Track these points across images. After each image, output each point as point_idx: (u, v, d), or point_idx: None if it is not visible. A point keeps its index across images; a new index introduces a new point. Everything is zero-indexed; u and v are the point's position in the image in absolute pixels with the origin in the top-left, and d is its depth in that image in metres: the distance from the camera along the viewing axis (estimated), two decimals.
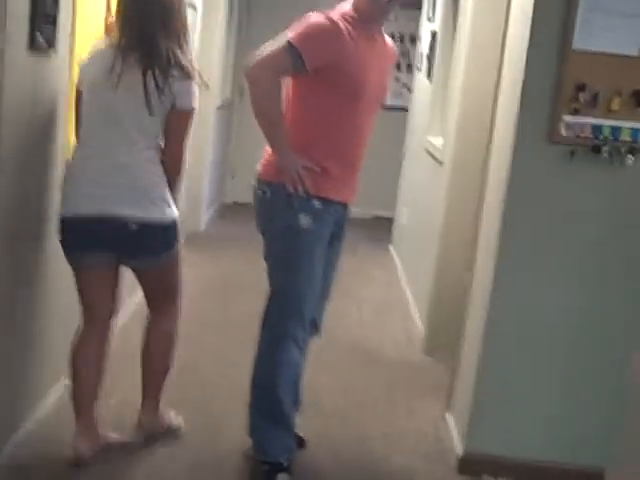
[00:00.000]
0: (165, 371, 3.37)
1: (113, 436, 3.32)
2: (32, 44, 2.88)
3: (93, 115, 3.05)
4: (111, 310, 3.24)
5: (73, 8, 3.28)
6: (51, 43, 3.05)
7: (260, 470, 3.17)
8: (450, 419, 3.75)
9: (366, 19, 3.04)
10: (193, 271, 6.06)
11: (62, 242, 3.10)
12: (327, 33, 2.96)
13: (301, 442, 3.40)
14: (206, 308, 5.31)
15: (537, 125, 3.20)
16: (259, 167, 3.18)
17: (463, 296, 3.93)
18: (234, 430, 3.49)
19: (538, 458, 3.39)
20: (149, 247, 3.11)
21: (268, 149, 3.13)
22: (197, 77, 3.09)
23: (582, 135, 3.18)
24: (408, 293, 5.97)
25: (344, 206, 3.22)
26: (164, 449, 3.36)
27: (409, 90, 7.75)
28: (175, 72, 3.00)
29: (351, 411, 3.94)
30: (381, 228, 7.94)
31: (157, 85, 2.96)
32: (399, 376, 4.45)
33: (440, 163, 5.10)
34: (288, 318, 3.09)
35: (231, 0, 7.69)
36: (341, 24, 2.96)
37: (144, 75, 2.95)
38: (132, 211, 3.00)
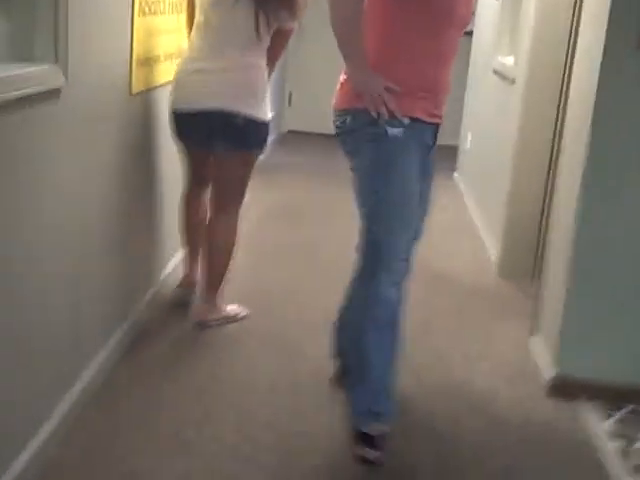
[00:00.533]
0: (224, 267, 3.69)
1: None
2: None
3: (207, 23, 3.45)
4: (207, 181, 3.78)
5: None
6: None
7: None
8: (535, 343, 3.60)
9: None
10: (256, 197, 5.97)
11: (175, 132, 3.64)
12: None
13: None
14: (268, 233, 5.21)
15: (628, 30, 2.97)
16: (334, 100, 2.88)
17: (540, 220, 3.80)
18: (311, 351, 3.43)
19: (634, 380, 3.24)
20: (249, 141, 3.52)
21: (342, 79, 2.83)
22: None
23: None
24: (476, 218, 5.79)
25: (434, 128, 2.84)
26: (243, 375, 3.29)
27: (472, 13, 7.47)
28: (283, 14, 3.45)
29: (428, 335, 3.82)
30: (444, 157, 7.72)
31: (267, 22, 3.42)
32: (474, 300, 4.32)
33: (511, 82, 4.88)
34: (382, 251, 2.74)
35: None
36: None
37: (256, 14, 3.38)
38: (238, 107, 3.42)
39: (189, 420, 2.89)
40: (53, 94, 2.50)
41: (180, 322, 3.72)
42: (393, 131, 2.69)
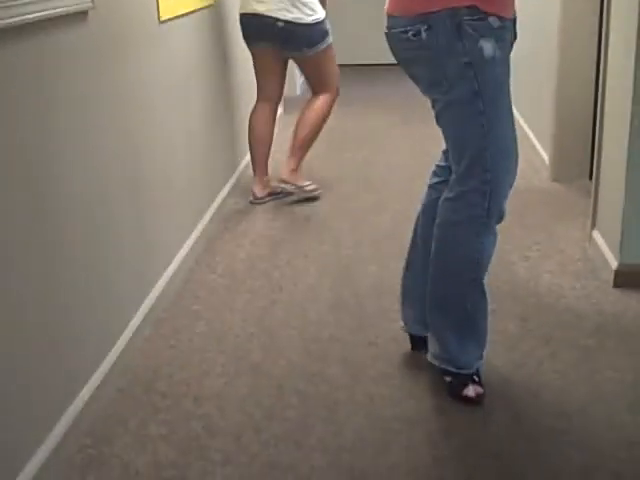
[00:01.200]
0: (308, 137, 4.33)
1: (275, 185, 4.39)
2: None
3: None
4: (278, 93, 4.41)
5: None
6: None
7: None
8: (597, 237, 3.47)
9: None
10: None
11: (242, 33, 4.24)
12: None
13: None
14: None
15: None
16: (396, 7, 2.35)
17: (593, 119, 3.66)
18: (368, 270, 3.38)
19: None
20: (294, 43, 4.14)
21: None
22: None
23: None
24: (522, 123, 5.62)
25: (514, 24, 2.37)
26: (304, 286, 3.26)
27: None
28: None
29: None
30: None
31: None
32: (530, 202, 4.21)
33: None
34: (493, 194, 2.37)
35: None
36: None
37: None
38: (281, 13, 4.03)
39: None
40: (79, 16, 2.42)
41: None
42: (488, 51, 2.23)
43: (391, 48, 2.42)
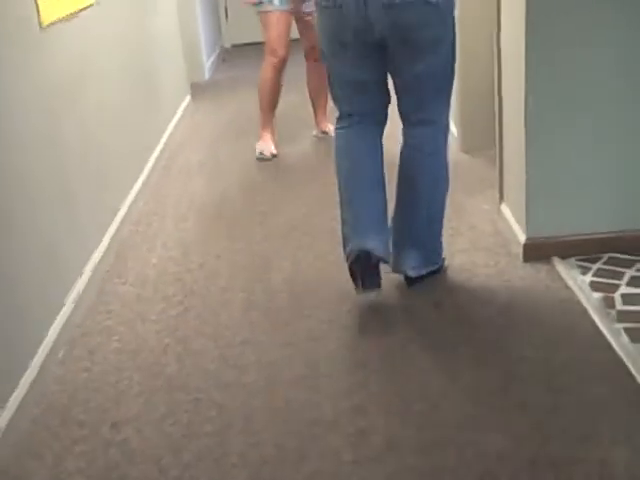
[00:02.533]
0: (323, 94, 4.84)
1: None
2: None
3: None
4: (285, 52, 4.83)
5: None
6: None
7: None
8: (506, 210, 3.50)
9: None
10: (206, 118, 5.82)
11: None
12: None
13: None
14: (221, 150, 5.11)
15: None
16: None
17: (492, 86, 3.66)
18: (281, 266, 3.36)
19: (604, 230, 3.19)
20: None
21: None
22: None
23: None
24: None
25: None
26: (217, 288, 3.23)
27: None
28: None
29: None
30: None
31: None
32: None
33: None
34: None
35: None
36: None
37: None
38: None
39: None
40: None
41: None
42: None
43: (390, 17, 2.73)
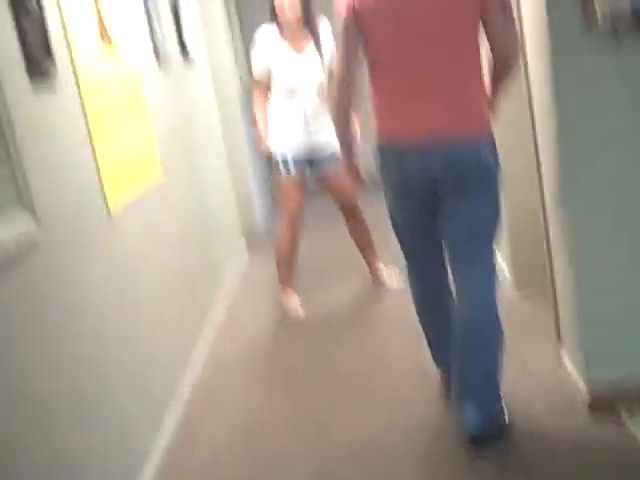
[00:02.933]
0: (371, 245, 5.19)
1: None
2: (31, 76, 2.67)
3: None
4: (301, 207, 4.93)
5: (63, 27, 3.03)
6: (49, 70, 2.82)
7: None
8: (565, 355, 3.50)
9: None
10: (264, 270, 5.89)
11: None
12: None
13: None
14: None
15: (569, 10, 2.90)
16: (460, 128, 2.98)
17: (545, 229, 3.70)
18: None
19: None
20: None
21: (474, 105, 2.99)
22: None
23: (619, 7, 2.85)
24: None
25: None
26: None
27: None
28: None
29: None
30: None
31: None
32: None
33: None
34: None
35: None
36: None
37: None
38: None
39: None
40: (27, 244, 2.47)
41: None
42: None
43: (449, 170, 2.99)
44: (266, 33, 4.66)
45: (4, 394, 2.19)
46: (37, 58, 2.71)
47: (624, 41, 2.89)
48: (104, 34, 3.49)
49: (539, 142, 3.45)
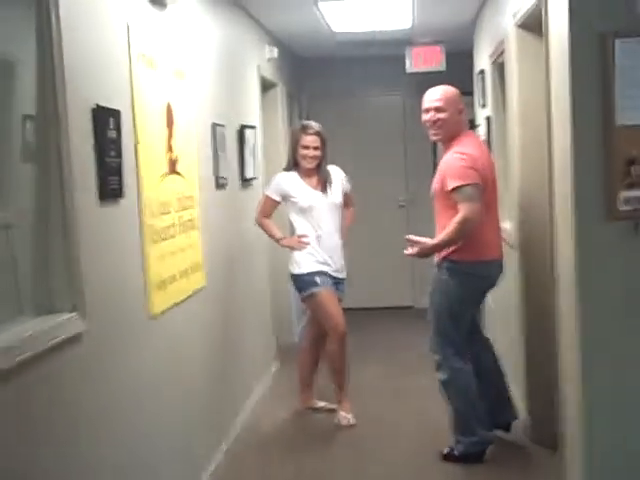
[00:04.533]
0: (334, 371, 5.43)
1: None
2: (102, 196, 3.09)
3: None
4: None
5: (136, 155, 3.48)
6: (118, 192, 3.24)
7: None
8: None
9: None
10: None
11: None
12: None
13: None
14: None
15: (595, 204, 3.24)
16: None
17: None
18: None
19: None
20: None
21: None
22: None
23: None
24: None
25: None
26: None
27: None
28: None
29: None
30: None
31: None
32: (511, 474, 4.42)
33: (511, 247, 5.10)
34: None
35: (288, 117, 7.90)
36: None
37: None
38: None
39: None
40: (75, 339, 2.80)
41: None
42: None
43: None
44: (286, 175, 5.41)
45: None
46: (109, 184, 3.16)
47: None
48: (171, 166, 3.96)
49: (558, 308, 3.73)
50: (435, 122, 4.44)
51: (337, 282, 5.39)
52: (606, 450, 3.32)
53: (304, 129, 5.39)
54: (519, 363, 4.94)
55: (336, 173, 5.47)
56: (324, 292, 5.25)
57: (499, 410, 4.75)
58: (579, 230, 3.28)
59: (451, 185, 4.26)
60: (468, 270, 4.40)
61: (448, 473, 4.43)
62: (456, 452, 4.54)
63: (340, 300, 5.42)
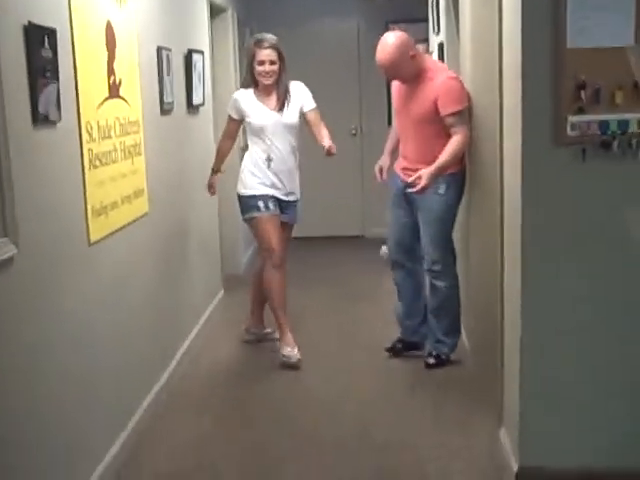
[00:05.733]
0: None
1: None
2: (35, 119, 2.95)
3: None
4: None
5: (75, 76, 3.34)
6: (55, 114, 3.11)
7: None
8: (503, 434, 3.69)
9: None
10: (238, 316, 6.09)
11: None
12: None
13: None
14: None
15: (543, 129, 3.18)
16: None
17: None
18: None
19: (596, 465, 3.33)
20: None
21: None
22: None
23: (589, 133, 3.16)
24: None
25: None
26: None
27: None
28: None
29: (403, 434, 3.98)
30: None
31: None
32: (448, 390, 4.51)
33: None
34: None
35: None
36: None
37: None
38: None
39: None
40: (6, 263, 2.70)
41: None
42: None
43: None
44: (242, 93, 5.17)
45: None
46: (44, 109, 3.02)
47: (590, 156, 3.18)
48: (113, 89, 3.82)
49: (505, 244, 3.70)
50: (392, 78, 4.84)
51: (287, 205, 5.23)
52: (538, 378, 3.34)
53: (258, 43, 5.07)
54: (463, 287, 4.96)
55: (298, 90, 5.20)
56: (265, 217, 5.10)
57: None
58: (526, 154, 3.22)
59: (452, 109, 4.55)
60: (462, 177, 4.78)
61: (407, 402, 4.46)
62: (443, 356, 4.91)
63: (290, 225, 5.33)
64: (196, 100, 5.65)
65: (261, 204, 5.10)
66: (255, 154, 5.14)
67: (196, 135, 5.65)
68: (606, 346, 3.29)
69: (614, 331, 3.28)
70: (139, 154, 4.21)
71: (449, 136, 4.58)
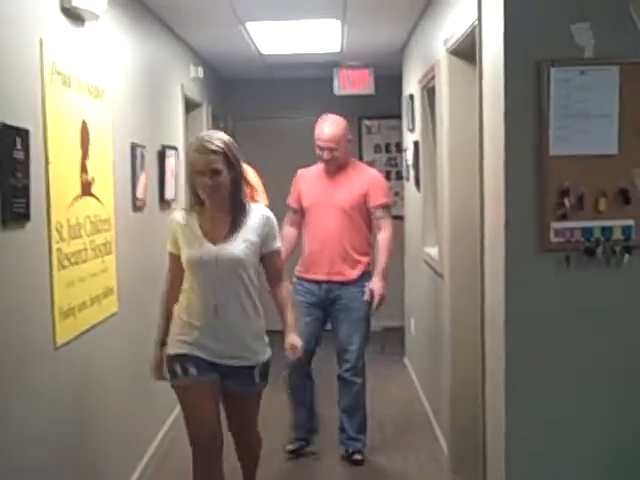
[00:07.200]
0: None
1: None
2: (4, 219, 2.85)
3: None
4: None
5: (46, 176, 3.25)
6: (24, 216, 3.01)
7: None
8: None
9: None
10: None
11: None
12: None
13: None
14: None
15: (527, 235, 3.13)
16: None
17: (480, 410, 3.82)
18: None
19: None
20: None
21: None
22: None
23: (573, 240, 3.11)
24: (427, 407, 5.79)
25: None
26: None
27: (402, 198, 7.69)
28: None
29: None
30: (393, 339, 7.77)
31: None
32: None
33: (440, 276, 4.98)
34: None
35: None
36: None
37: None
38: None
39: None
40: None
41: None
42: None
43: None
44: (178, 216, 3.70)
45: None
46: (14, 207, 2.93)
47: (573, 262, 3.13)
48: (85, 188, 3.74)
49: (486, 343, 3.61)
50: (330, 159, 4.90)
51: (229, 372, 3.57)
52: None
53: (197, 147, 3.53)
54: (445, 394, 4.83)
55: (258, 215, 3.61)
56: (189, 385, 3.53)
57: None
58: (510, 262, 3.17)
59: (383, 201, 4.88)
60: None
61: None
62: (364, 453, 4.93)
63: (242, 400, 3.69)
64: (168, 195, 5.58)
65: (178, 368, 3.56)
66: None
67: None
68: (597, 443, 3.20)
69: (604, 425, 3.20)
70: (109, 252, 4.11)
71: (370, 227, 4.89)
